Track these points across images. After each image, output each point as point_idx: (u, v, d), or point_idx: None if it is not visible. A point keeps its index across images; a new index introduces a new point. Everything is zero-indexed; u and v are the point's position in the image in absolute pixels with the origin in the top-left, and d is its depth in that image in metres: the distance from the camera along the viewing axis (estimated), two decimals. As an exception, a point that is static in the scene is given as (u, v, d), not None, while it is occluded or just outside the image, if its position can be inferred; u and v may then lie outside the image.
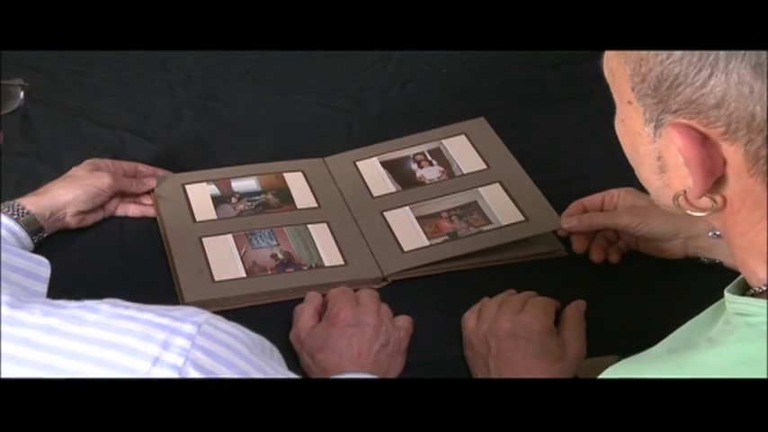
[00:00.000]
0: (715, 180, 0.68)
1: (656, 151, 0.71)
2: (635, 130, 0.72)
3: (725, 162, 0.67)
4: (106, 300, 0.73)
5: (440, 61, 1.63)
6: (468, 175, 1.39)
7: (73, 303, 0.72)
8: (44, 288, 0.81)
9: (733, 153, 0.66)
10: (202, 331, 0.69)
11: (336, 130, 1.51)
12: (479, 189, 1.36)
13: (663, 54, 0.67)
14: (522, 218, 1.31)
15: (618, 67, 0.71)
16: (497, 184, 1.36)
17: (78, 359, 0.68)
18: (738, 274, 0.75)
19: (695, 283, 1.18)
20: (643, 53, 0.68)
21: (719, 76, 0.64)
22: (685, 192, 0.70)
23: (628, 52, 0.70)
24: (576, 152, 1.44)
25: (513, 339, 1.09)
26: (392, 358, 1.12)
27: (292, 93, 1.59)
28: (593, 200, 1.28)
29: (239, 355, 0.72)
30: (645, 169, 0.74)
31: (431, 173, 1.40)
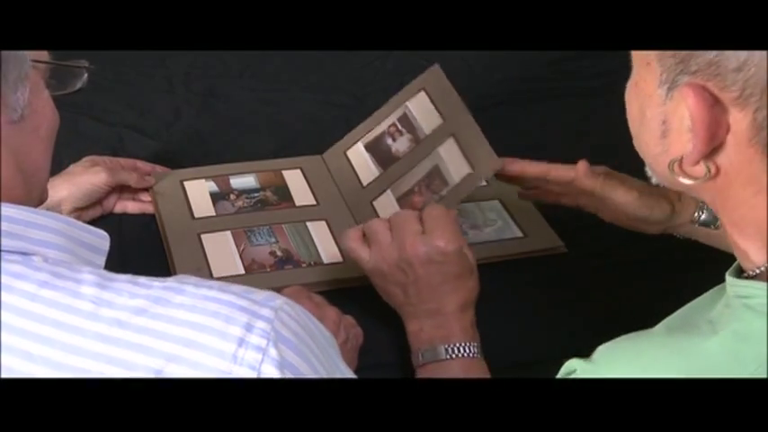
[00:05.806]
0: (714, 147, 0.68)
1: (663, 114, 0.71)
2: (647, 93, 0.72)
3: (728, 129, 0.68)
4: (187, 278, 0.75)
5: (439, 58, 1.63)
6: (429, 136, 1.33)
7: (156, 283, 0.73)
8: (103, 261, 0.82)
9: (740, 120, 0.67)
10: (279, 316, 0.72)
11: (335, 127, 1.50)
12: (438, 149, 1.30)
13: None
14: (470, 169, 1.26)
15: None
16: (452, 138, 1.30)
17: (170, 340, 0.69)
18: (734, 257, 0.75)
19: (698, 279, 1.18)
20: None
21: None
22: (682, 158, 0.70)
23: None
24: (576, 149, 1.43)
25: (429, 264, 1.10)
26: (350, 354, 1.10)
27: (291, 90, 1.59)
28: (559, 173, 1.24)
29: (312, 337, 0.75)
30: (647, 134, 0.74)
31: (402, 144, 1.36)
